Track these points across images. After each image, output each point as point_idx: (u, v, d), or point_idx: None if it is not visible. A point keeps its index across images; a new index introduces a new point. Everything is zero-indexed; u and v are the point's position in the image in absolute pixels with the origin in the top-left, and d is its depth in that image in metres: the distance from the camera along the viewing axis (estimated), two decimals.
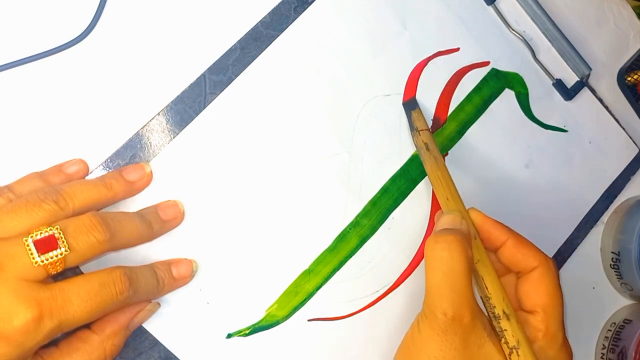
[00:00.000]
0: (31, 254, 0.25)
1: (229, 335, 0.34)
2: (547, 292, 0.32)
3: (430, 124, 0.40)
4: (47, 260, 0.25)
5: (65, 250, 0.26)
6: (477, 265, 0.33)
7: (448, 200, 0.35)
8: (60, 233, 0.26)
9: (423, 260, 0.38)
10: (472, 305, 0.30)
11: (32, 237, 0.25)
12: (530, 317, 0.32)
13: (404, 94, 0.39)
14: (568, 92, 0.44)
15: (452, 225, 0.33)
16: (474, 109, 0.41)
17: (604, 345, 0.43)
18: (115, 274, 0.27)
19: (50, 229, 0.26)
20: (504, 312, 0.31)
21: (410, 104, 0.38)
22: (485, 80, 0.41)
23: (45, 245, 0.25)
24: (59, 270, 0.26)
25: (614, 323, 0.43)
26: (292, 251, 0.35)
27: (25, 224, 0.26)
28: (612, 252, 0.44)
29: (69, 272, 0.30)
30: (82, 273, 0.31)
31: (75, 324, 0.26)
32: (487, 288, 0.32)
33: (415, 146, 0.38)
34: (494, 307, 0.32)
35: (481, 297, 0.33)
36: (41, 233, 0.26)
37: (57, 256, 0.26)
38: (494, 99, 0.42)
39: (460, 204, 0.35)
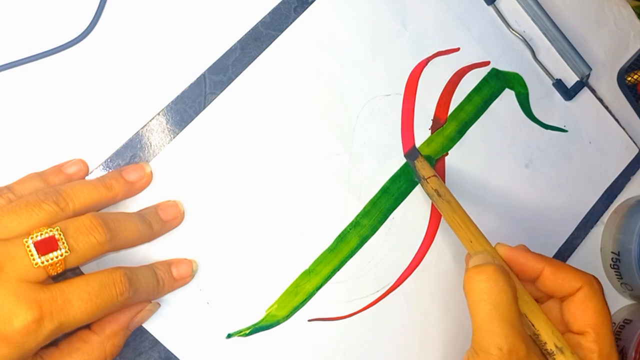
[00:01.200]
0: (31, 255, 0.25)
1: (229, 335, 0.34)
2: (595, 311, 0.31)
3: (430, 124, 0.40)
4: (47, 261, 0.25)
5: (66, 252, 0.26)
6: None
7: (472, 242, 0.34)
8: (60, 234, 0.26)
9: (423, 260, 0.38)
10: (525, 336, 0.29)
11: (32, 238, 0.25)
12: (582, 338, 0.31)
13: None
14: (568, 92, 0.44)
15: (485, 262, 0.32)
16: (474, 109, 0.41)
17: None
18: (115, 275, 0.27)
19: (51, 230, 0.26)
20: (556, 347, 0.30)
21: (412, 154, 0.38)
22: (485, 80, 0.41)
23: (46, 246, 0.25)
24: (59, 271, 0.26)
25: (614, 323, 0.43)
26: (292, 251, 0.35)
27: (26, 225, 0.26)
28: (612, 252, 0.44)
29: (69, 273, 0.30)
30: (82, 274, 0.31)
31: (75, 325, 0.26)
32: (533, 325, 0.31)
33: (426, 194, 0.38)
34: (545, 343, 0.30)
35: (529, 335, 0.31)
36: (41, 234, 0.26)
37: (57, 257, 0.26)
38: (494, 99, 0.42)
39: (486, 243, 0.34)
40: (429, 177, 0.37)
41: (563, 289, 0.32)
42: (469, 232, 0.34)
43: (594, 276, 0.32)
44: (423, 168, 0.37)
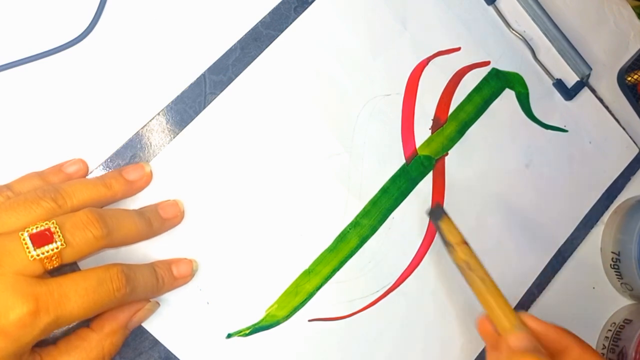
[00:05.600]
0: (27, 247, 0.25)
1: (229, 335, 0.34)
2: None
3: (430, 124, 0.40)
4: (43, 254, 0.25)
5: (61, 244, 0.26)
6: None
7: (505, 325, 0.31)
8: (56, 227, 0.26)
9: (423, 260, 0.38)
10: None
11: (28, 231, 0.26)
12: None
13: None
14: (568, 92, 0.44)
15: (531, 346, 0.30)
16: (475, 109, 0.41)
17: (604, 345, 0.43)
18: (112, 271, 0.27)
19: (46, 223, 0.26)
20: None
21: (436, 214, 0.34)
22: (485, 80, 0.41)
23: (41, 238, 0.25)
24: (55, 265, 0.26)
25: (614, 323, 0.43)
26: (292, 251, 0.35)
27: (23, 221, 0.26)
28: (612, 252, 0.44)
29: (67, 269, 0.30)
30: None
31: (72, 320, 0.26)
32: None
33: (454, 263, 0.33)
34: None
35: None
36: (37, 227, 0.26)
37: (52, 250, 0.26)
38: (495, 99, 0.42)
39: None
40: (458, 244, 0.32)
41: None
42: (506, 319, 0.31)
43: None
44: (450, 232, 0.32)
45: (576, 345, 0.31)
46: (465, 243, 0.32)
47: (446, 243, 0.33)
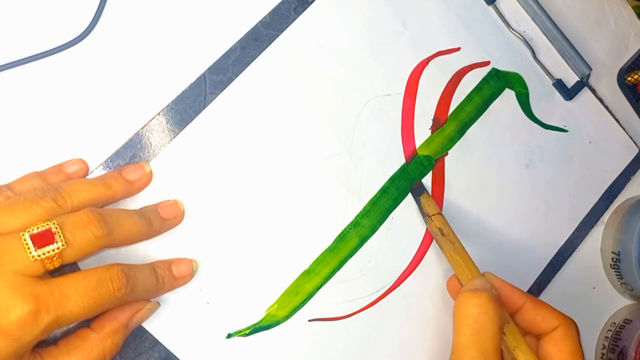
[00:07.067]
0: (28, 248, 0.25)
1: (229, 335, 0.34)
2: (570, 352, 0.31)
3: (430, 124, 0.40)
4: (43, 254, 0.25)
5: (62, 245, 0.26)
6: (515, 352, 0.31)
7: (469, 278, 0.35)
8: (57, 228, 0.26)
9: (423, 260, 0.38)
10: None
11: (28, 231, 0.26)
12: None
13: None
14: (568, 92, 0.44)
15: (481, 287, 0.32)
16: (475, 109, 0.41)
17: (604, 345, 0.43)
18: (112, 271, 0.27)
19: (47, 224, 0.26)
20: None
21: (418, 190, 0.38)
22: (485, 80, 0.41)
23: (42, 239, 0.25)
24: (56, 266, 0.26)
25: (614, 323, 0.43)
26: (292, 251, 0.35)
27: (23, 221, 0.26)
28: (612, 252, 0.44)
29: (67, 269, 0.30)
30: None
31: (72, 320, 0.26)
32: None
33: (430, 231, 0.38)
34: None
35: None
36: (38, 228, 0.26)
37: (53, 250, 0.26)
38: (495, 99, 0.42)
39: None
40: (434, 215, 0.37)
41: (541, 325, 0.32)
42: (470, 274, 0.34)
43: (572, 318, 0.33)
44: (428, 205, 0.37)
45: (530, 300, 0.33)
46: (440, 214, 0.37)
47: (424, 214, 0.38)
